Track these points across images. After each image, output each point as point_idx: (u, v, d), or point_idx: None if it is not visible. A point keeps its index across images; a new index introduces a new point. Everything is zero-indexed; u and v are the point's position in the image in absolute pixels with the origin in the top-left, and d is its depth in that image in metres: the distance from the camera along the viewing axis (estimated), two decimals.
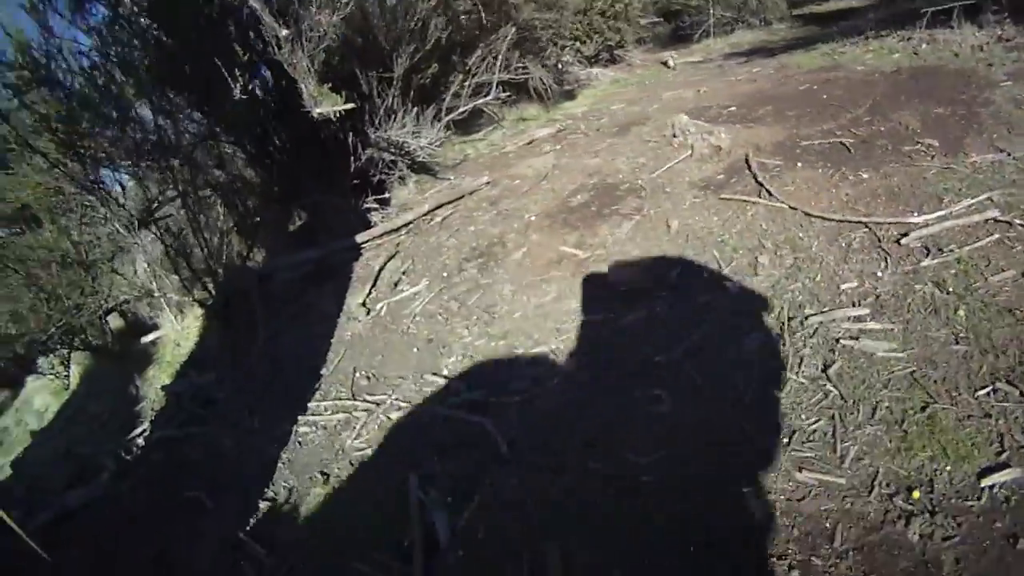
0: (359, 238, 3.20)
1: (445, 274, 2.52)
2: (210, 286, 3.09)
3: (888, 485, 1.13)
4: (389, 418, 1.90)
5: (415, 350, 2.17)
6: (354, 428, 1.91)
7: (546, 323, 1.94)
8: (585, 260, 2.17)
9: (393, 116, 4.04)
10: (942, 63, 2.59)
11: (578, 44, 5.93)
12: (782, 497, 1.16)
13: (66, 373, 3.41)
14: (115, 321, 3.62)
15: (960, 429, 1.18)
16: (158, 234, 3.07)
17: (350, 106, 3.76)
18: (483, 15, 4.41)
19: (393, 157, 4.14)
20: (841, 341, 1.46)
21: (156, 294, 3.48)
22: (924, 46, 2.85)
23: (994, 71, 2.34)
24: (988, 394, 1.23)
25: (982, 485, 1.08)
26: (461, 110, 4.42)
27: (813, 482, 1.17)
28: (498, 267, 2.39)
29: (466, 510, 1.40)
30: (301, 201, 3.49)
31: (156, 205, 3.19)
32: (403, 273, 2.70)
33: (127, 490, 2.12)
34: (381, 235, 3.21)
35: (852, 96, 2.61)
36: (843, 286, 1.63)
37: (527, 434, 1.55)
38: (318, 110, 3.90)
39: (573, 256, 2.23)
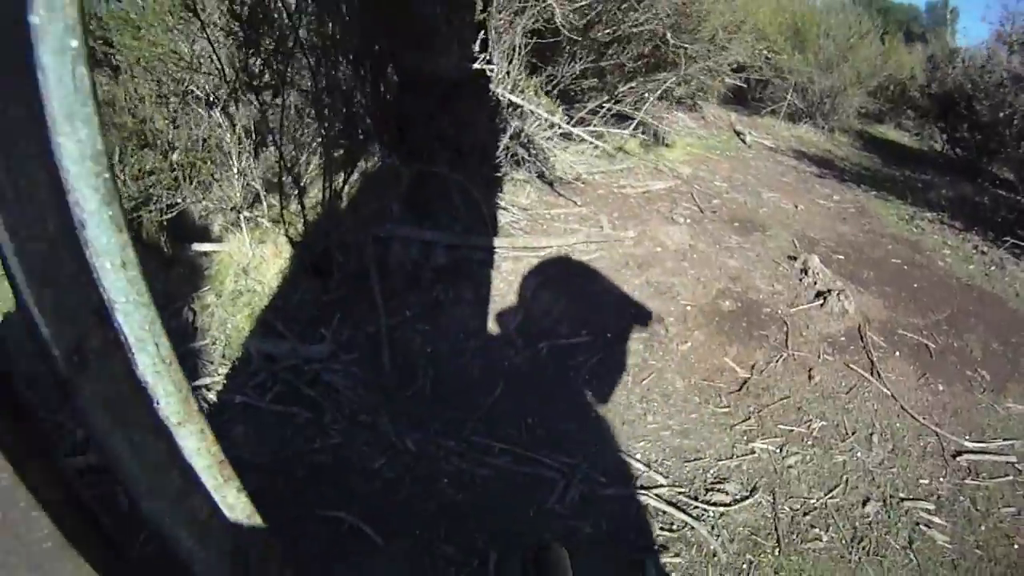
0: (497, 242, 3.29)
1: (608, 335, 3.14)
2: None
3: None
4: (594, 493, 2.09)
5: (593, 415, 2.53)
6: (553, 491, 2.03)
7: (723, 435, 2.76)
8: (747, 381, 2.98)
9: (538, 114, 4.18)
10: (1005, 297, 3.58)
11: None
12: None
13: None
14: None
15: None
16: (271, 136, 2.52)
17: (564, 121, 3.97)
18: (652, 57, 4.76)
19: (529, 158, 4.42)
20: (920, 525, 2.44)
21: (239, 208, 2.93)
22: (993, 268, 3.81)
23: None
24: None
25: None
26: (593, 129, 4.79)
27: None
28: (664, 352, 3.11)
29: None
30: (421, 166, 3.25)
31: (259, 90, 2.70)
32: (562, 312, 3.24)
33: None
34: (523, 248, 3.46)
35: (935, 297, 3.54)
36: (920, 481, 2.60)
37: (732, 540, 2.39)
38: (511, 96, 4.10)
39: (734, 371, 3.04)
